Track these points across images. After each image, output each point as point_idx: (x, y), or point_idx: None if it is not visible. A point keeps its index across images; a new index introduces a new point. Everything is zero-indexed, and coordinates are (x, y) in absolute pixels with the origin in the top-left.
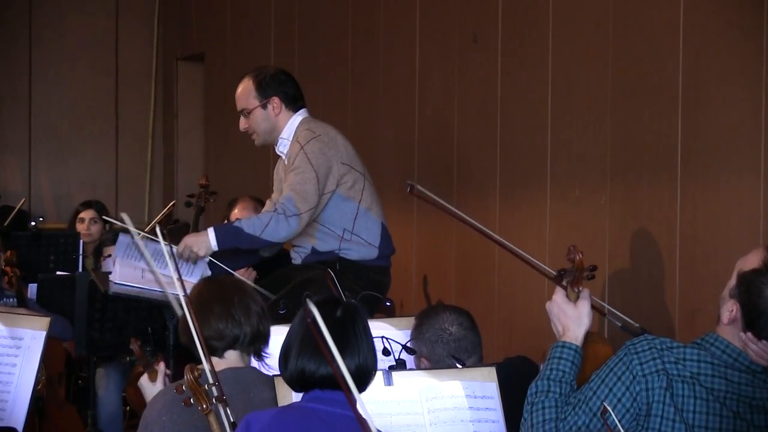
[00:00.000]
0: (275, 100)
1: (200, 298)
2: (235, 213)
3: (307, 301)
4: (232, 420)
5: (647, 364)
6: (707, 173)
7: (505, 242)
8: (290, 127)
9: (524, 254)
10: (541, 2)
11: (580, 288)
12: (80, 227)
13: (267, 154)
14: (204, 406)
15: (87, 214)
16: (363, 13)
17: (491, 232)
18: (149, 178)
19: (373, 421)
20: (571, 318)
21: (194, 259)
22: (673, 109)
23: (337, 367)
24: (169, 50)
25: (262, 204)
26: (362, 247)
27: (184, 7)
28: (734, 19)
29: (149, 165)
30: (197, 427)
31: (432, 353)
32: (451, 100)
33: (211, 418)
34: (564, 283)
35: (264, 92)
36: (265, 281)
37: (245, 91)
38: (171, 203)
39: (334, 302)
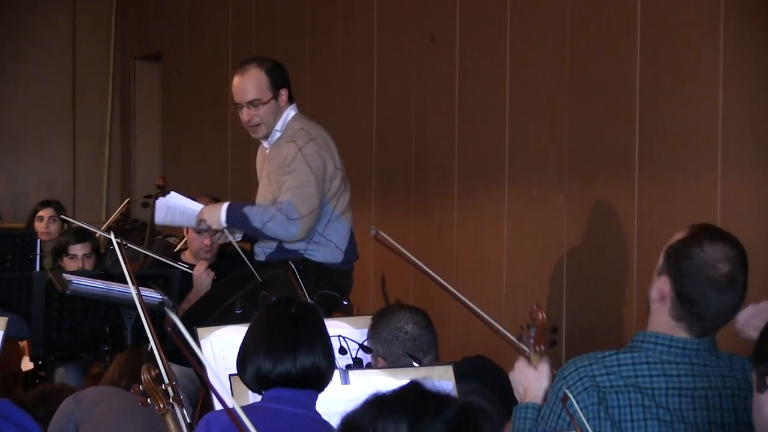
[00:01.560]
0: (284, 92)
1: None
2: None
3: (168, 310)
4: (189, 421)
5: (574, 386)
6: (664, 172)
7: (466, 299)
8: (284, 120)
9: (486, 317)
10: (499, 2)
11: (542, 347)
12: (39, 226)
13: (225, 154)
14: (161, 406)
15: (46, 213)
16: (321, 13)
17: (450, 287)
18: (106, 178)
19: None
20: (531, 379)
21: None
22: (631, 108)
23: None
24: (126, 49)
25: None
26: (329, 250)
27: (141, 7)
28: (691, 18)
29: (107, 164)
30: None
31: (388, 352)
32: (408, 99)
33: (168, 418)
34: (528, 340)
35: (275, 83)
36: (225, 281)
37: (257, 81)
38: (126, 200)
39: (289, 301)
